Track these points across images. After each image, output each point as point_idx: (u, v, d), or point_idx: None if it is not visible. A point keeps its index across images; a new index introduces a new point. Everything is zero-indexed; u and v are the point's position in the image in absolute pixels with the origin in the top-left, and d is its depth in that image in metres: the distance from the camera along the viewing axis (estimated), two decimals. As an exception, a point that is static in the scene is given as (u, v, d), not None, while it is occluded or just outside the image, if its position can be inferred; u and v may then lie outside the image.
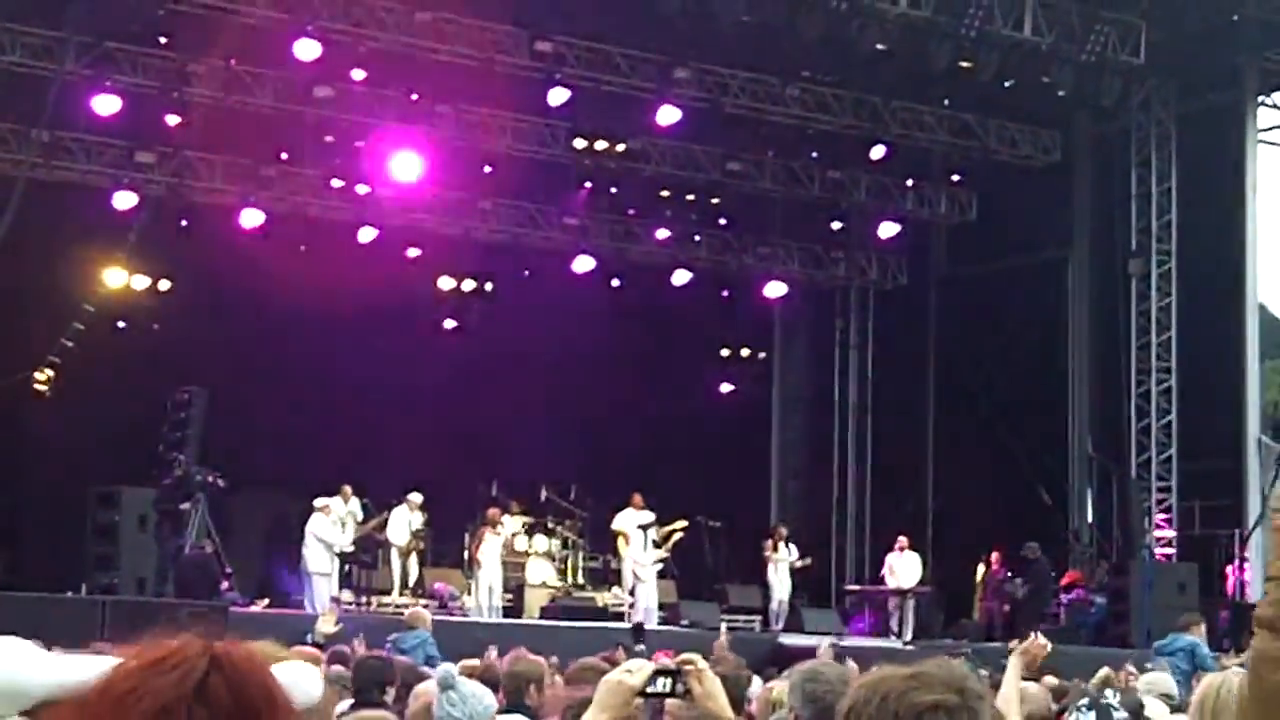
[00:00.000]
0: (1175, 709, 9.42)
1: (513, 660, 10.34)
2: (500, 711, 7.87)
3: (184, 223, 27.44)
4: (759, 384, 33.85)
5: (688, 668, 3.81)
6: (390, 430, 27.82)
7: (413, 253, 29.47)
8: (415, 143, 26.97)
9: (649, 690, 3.75)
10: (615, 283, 30.52)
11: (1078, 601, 26.75)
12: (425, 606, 23.04)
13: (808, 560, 27.55)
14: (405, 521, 25.02)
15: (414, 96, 26.40)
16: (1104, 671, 11.18)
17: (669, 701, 4.25)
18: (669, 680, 3.76)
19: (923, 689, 2.66)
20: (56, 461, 25.80)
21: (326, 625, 14.11)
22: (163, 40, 24.78)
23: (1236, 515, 26.58)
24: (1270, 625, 2.29)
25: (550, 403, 29.29)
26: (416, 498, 25.13)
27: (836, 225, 31.44)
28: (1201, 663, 15.46)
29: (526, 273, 30.66)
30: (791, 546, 27.22)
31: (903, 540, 27.47)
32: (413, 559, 25.22)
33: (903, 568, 27.18)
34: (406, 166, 26.73)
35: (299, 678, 2.00)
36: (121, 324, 27.96)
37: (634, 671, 3.81)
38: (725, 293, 32.01)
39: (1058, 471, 29.12)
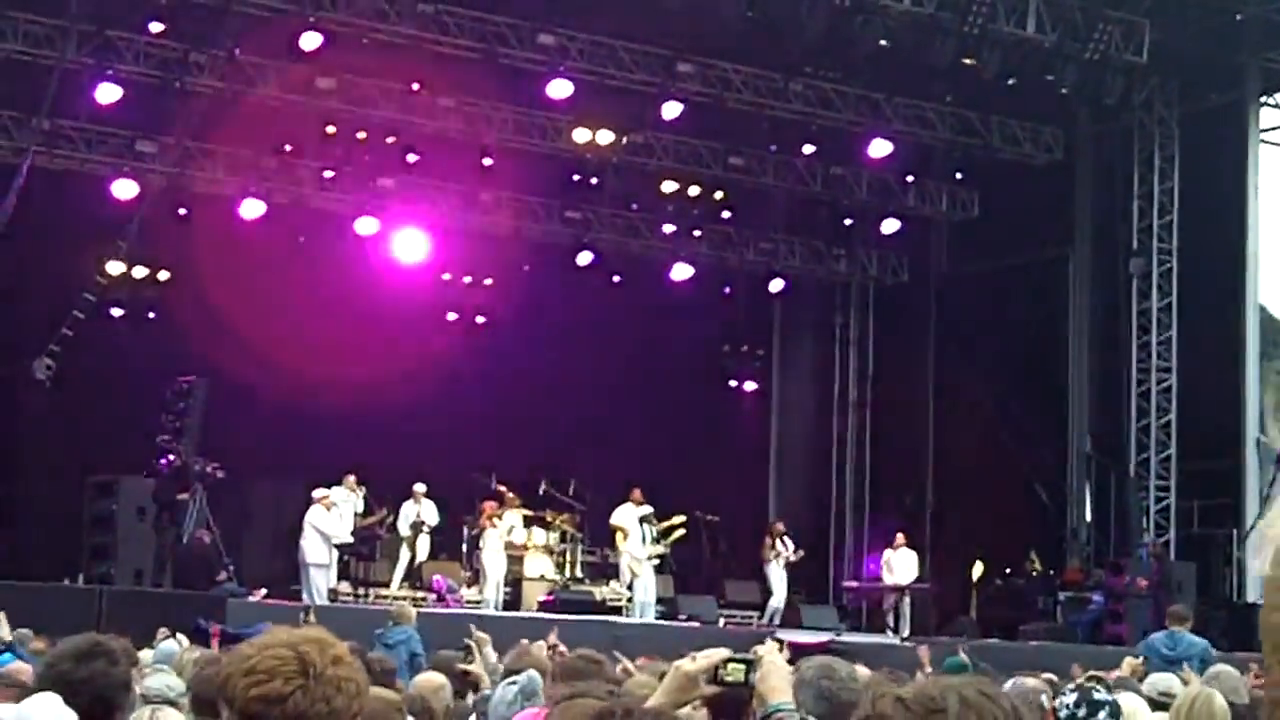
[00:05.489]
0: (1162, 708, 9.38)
1: (518, 654, 10.31)
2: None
3: (184, 212, 27.40)
4: (759, 379, 33.81)
5: (759, 657, 3.85)
6: (390, 422, 27.78)
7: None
8: (414, 136, 27.01)
9: (722, 678, 3.80)
10: (616, 277, 30.45)
11: (1074, 599, 26.74)
12: (422, 600, 23.13)
13: (801, 552, 27.55)
14: (412, 512, 25.09)
15: (415, 88, 26.39)
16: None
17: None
18: (741, 668, 3.81)
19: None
20: (55, 451, 25.80)
21: None
22: (165, 29, 24.73)
23: (1235, 515, 26.58)
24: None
25: (550, 397, 29.26)
26: (420, 487, 25.21)
27: (838, 221, 31.40)
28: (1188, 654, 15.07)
29: (526, 267, 30.63)
30: (787, 540, 27.19)
31: (900, 537, 27.46)
32: (420, 547, 25.22)
33: (900, 564, 27.16)
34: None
35: None
36: (121, 313, 27.96)
37: (705, 658, 3.85)
38: (726, 288, 31.97)
39: (1056, 470, 29.10)
